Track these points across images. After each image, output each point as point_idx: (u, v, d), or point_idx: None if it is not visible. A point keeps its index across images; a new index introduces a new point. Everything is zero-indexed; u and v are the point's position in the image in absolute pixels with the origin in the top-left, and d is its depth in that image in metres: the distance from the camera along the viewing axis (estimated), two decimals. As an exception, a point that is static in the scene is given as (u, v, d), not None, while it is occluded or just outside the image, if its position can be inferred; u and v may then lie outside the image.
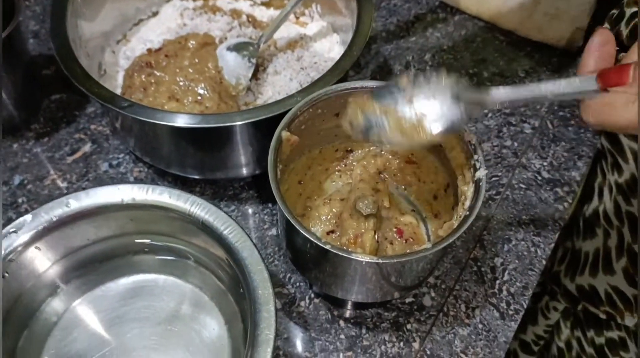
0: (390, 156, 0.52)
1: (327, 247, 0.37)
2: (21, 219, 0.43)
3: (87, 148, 0.61)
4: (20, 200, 0.57)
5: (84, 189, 0.57)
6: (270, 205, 0.57)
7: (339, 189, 0.51)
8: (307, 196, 0.51)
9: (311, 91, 0.48)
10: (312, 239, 0.38)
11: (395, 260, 0.38)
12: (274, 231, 0.56)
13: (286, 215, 0.39)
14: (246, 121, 0.47)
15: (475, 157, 0.42)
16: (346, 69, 0.50)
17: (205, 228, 0.45)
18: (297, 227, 0.38)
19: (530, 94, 0.36)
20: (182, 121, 0.46)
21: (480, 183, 0.40)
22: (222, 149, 0.52)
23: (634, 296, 0.59)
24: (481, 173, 0.41)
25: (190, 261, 0.50)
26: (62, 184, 0.58)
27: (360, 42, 0.52)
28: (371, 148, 0.52)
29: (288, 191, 0.50)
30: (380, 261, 0.37)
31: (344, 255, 0.37)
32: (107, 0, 0.61)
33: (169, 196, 0.45)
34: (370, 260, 0.37)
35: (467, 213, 0.39)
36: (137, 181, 0.59)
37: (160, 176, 0.59)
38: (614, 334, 0.63)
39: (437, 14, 0.75)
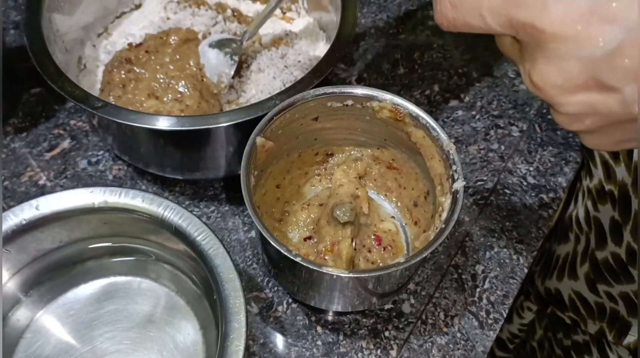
0: (371, 161, 0.51)
1: (298, 260, 0.36)
2: (-13, 223, 0.42)
3: (66, 144, 0.60)
4: (-4, 197, 0.56)
5: (61, 186, 0.56)
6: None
7: (318, 194, 0.51)
8: (285, 200, 0.50)
9: (290, 93, 0.47)
10: (283, 251, 0.37)
11: (366, 275, 0.37)
12: (253, 234, 0.55)
13: (257, 226, 0.38)
14: (223, 124, 0.46)
15: (454, 168, 0.41)
16: (326, 72, 0.49)
17: (178, 234, 0.44)
18: (269, 239, 0.37)
19: None
20: (157, 123, 0.45)
21: (458, 195, 0.40)
22: (200, 150, 0.51)
23: (596, 303, 0.58)
24: (459, 185, 0.40)
25: (165, 264, 0.49)
26: (40, 181, 0.57)
27: (343, 44, 0.50)
28: (352, 152, 0.51)
29: (265, 195, 0.49)
30: (351, 275, 0.36)
31: (315, 268, 0.36)
32: (87, -8, 0.59)
33: (141, 200, 0.44)
34: (341, 274, 0.36)
35: (443, 225, 0.38)
36: (116, 179, 0.58)
37: (140, 174, 0.58)
38: (579, 338, 0.63)
39: (428, 11, 0.73)
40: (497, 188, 0.58)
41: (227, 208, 0.56)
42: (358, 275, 0.36)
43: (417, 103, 0.64)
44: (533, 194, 0.57)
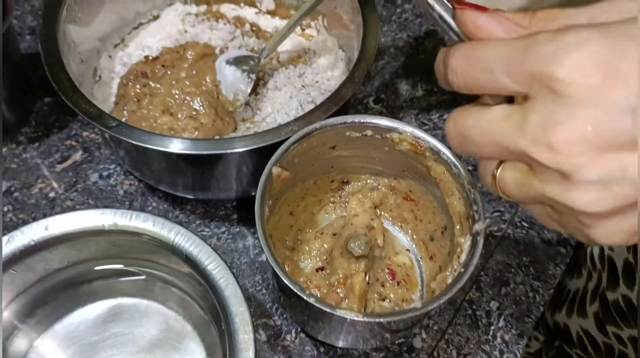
0: (387, 191, 0.50)
1: (311, 301, 0.35)
2: (-4, 242, 0.42)
3: (77, 156, 0.59)
4: (6, 208, 0.55)
5: (71, 200, 0.55)
6: (262, 228, 0.55)
7: (332, 223, 0.49)
8: (298, 228, 0.49)
9: (308, 119, 0.46)
10: (296, 291, 0.36)
11: (381, 320, 0.36)
12: (263, 257, 0.54)
13: (271, 263, 0.37)
14: (239, 150, 0.44)
15: (475, 208, 0.40)
16: (346, 98, 0.47)
17: (189, 261, 0.43)
18: (282, 277, 0.36)
19: None
20: (170, 146, 0.44)
21: (478, 237, 0.38)
22: (213, 173, 0.50)
23: (605, 344, 0.57)
24: (479, 226, 0.39)
25: (174, 288, 0.48)
26: (50, 193, 0.56)
27: (363, 69, 0.49)
28: (368, 181, 0.50)
29: (278, 222, 0.48)
30: (365, 319, 0.35)
31: (328, 310, 0.35)
32: (105, 3, 0.58)
33: (152, 224, 0.43)
34: (355, 318, 0.35)
35: (462, 269, 0.37)
36: (127, 194, 0.57)
37: (151, 190, 0.57)
38: None
39: (450, 31, 0.71)
40: (514, 220, 0.57)
41: (238, 229, 0.55)
42: (373, 320, 0.35)
43: (435, 128, 0.63)
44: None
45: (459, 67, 0.29)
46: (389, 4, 0.74)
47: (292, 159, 0.44)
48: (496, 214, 0.57)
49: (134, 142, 0.44)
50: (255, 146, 0.45)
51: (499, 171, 0.29)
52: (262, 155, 0.47)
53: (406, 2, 0.74)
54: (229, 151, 0.45)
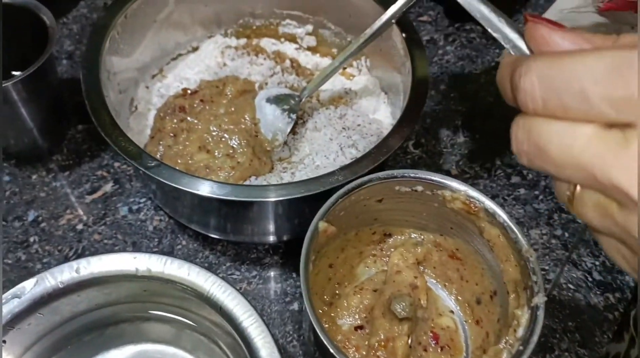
0: (432, 247, 0.47)
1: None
2: (23, 284, 0.40)
3: (108, 187, 0.57)
4: (32, 239, 0.53)
5: (99, 234, 0.54)
6: (294, 275, 0.53)
7: (372, 278, 0.47)
8: (337, 281, 0.47)
9: (353, 170, 0.44)
10: (335, 354, 0.33)
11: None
12: (295, 306, 0.51)
13: (313, 323, 0.35)
14: (279, 198, 0.43)
15: (534, 278, 0.37)
16: (394, 148, 0.45)
17: (224, 314, 0.40)
18: (323, 338, 0.34)
19: None
20: (209, 191, 0.42)
21: (538, 312, 0.36)
22: (249, 218, 0.48)
23: None
24: (539, 300, 0.36)
25: (202, 336, 0.46)
26: (78, 226, 0.54)
27: (413, 119, 0.47)
28: (412, 235, 0.48)
29: (317, 275, 0.45)
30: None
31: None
32: (147, 35, 0.57)
33: (187, 272, 0.41)
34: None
35: (521, 347, 0.35)
36: (156, 231, 0.55)
37: (181, 228, 0.55)
38: None
39: (492, 76, 0.69)
40: (560, 281, 0.54)
41: (270, 273, 0.53)
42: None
43: (477, 176, 0.61)
44: (598, 292, 0.53)
45: (537, 90, 0.24)
46: (430, 45, 0.72)
47: (338, 212, 0.42)
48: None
49: (173, 184, 0.42)
50: (296, 195, 0.43)
51: (577, 189, 0.25)
52: (301, 202, 0.45)
53: (448, 44, 0.72)
54: (268, 200, 0.43)
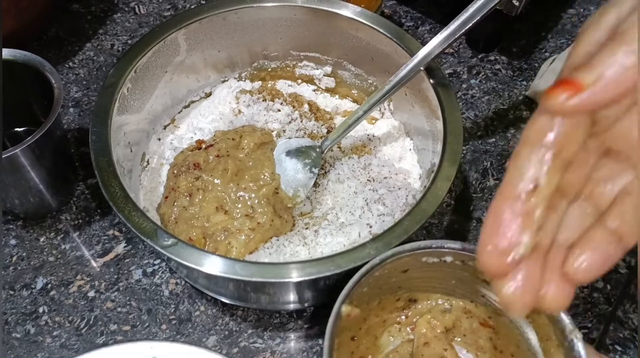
0: (461, 314, 0.44)
1: None
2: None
3: (120, 248, 0.54)
4: (41, 310, 0.50)
5: (112, 301, 0.50)
6: (320, 342, 0.50)
7: (397, 349, 0.43)
8: (360, 355, 0.43)
9: (387, 241, 0.40)
10: None
11: None
12: (323, 378, 0.48)
13: None
14: (303, 278, 0.39)
15: None
16: (429, 214, 0.42)
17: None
18: None
19: None
20: (232, 272, 0.39)
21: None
22: (272, 293, 0.44)
23: None
24: None
25: None
26: (89, 293, 0.51)
27: (447, 180, 0.44)
28: (439, 301, 0.44)
29: (339, 350, 0.42)
30: None
31: None
32: (158, 86, 0.54)
33: (208, 361, 0.38)
34: None
35: None
36: (173, 295, 0.52)
37: (199, 292, 0.52)
38: None
39: (521, 111, 0.66)
40: (604, 339, 0.50)
41: (292, 340, 0.50)
42: None
43: (510, 224, 0.57)
44: (649, 355, 0.49)
45: None
46: (453, 78, 0.68)
47: (361, 290, 0.38)
48: (583, 330, 0.51)
49: (192, 265, 0.39)
50: (320, 275, 0.39)
51: None
52: (321, 279, 0.41)
53: (472, 77, 0.69)
54: (291, 280, 0.39)
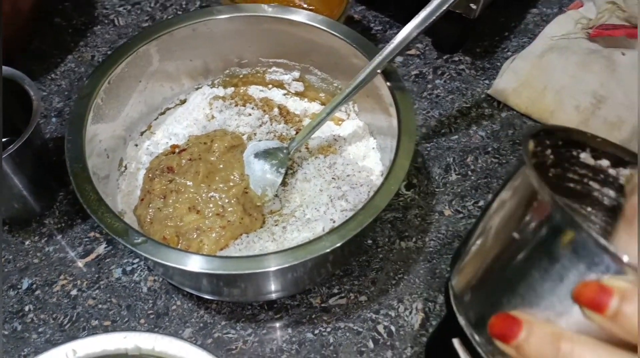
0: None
1: None
2: (17, 372, 0.40)
3: (101, 249, 0.57)
4: (27, 308, 0.53)
5: (93, 298, 0.54)
6: (290, 330, 0.53)
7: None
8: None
9: (341, 234, 0.44)
10: None
11: None
12: (292, 364, 0.51)
13: None
14: (270, 269, 0.42)
15: None
16: (381, 208, 0.45)
17: (215, 390, 0.40)
18: None
19: None
20: (197, 266, 0.42)
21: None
22: (240, 284, 0.48)
23: None
24: None
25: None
26: (72, 291, 0.55)
27: (399, 176, 0.47)
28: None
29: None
30: None
31: None
32: (133, 95, 0.57)
33: (178, 349, 0.41)
34: None
35: None
36: (151, 291, 0.55)
37: (176, 288, 0.55)
38: None
39: (483, 109, 0.69)
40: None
41: (265, 331, 0.53)
42: None
43: (470, 216, 0.61)
44: None
45: None
46: (419, 79, 0.72)
47: None
48: None
49: (160, 261, 0.42)
50: (284, 265, 0.42)
51: None
52: (290, 269, 0.45)
53: (437, 77, 0.72)
54: (257, 271, 0.43)
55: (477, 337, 0.30)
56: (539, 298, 0.27)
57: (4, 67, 0.54)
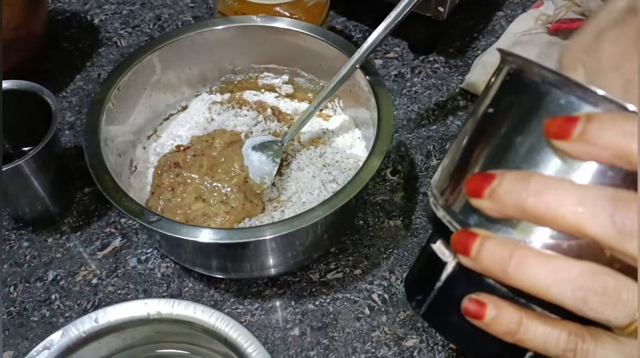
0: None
1: None
2: (51, 337, 0.45)
3: (116, 242, 0.63)
4: (53, 296, 0.59)
5: (113, 285, 0.59)
6: (292, 303, 0.58)
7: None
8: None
9: (332, 203, 0.50)
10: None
11: None
12: (296, 331, 0.56)
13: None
14: (268, 237, 0.48)
15: None
16: (366, 181, 0.51)
17: (229, 344, 0.46)
18: None
19: None
20: (207, 237, 0.48)
21: None
22: (245, 257, 0.53)
23: None
24: None
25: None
26: (93, 280, 0.60)
27: (380, 153, 0.53)
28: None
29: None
30: None
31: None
32: (140, 101, 0.64)
33: (194, 311, 0.47)
34: None
35: None
36: (164, 276, 0.60)
37: (187, 272, 0.60)
38: None
39: (458, 102, 0.76)
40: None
41: (270, 304, 0.58)
42: None
43: (451, 195, 0.66)
44: None
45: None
46: (399, 79, 0.78)
47: None
48: None
49: (174, 235, 0.48)
50: (284, 232, 0.48)
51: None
52: (289, 238, 0.50)
53: (415, 76, 0.79)
54: (259, 239, 0.48)
55: (456, 224, 0.31)
56: (517, 161, 0.29)
57: (24, 82, 0.60)
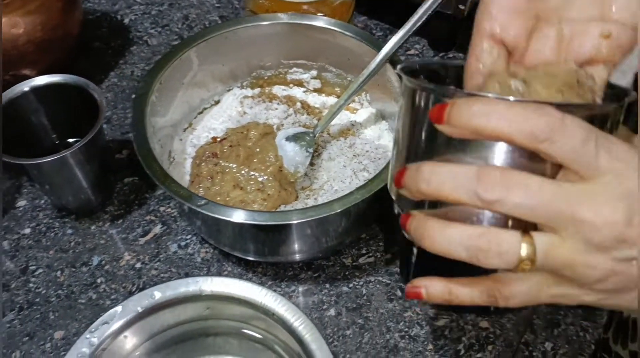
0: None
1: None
2: (112, 310, 0.48)
3: (157, 229, 0.66)
4: (99, 280, 0.62)
5: (156, 269, 0.62)
6: (327, 286, 0.61)
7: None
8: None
9: (369, 189, 0.53)
10: None
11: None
12: (332, 312, 0.59)
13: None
14: (307, 219, 0.51)
15: None
16: (401, 166, 0.54)
17: (277, 319, 0.49)
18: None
19: None
20: (252, 219, 0.51)
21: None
22: (282, 240, 0.56)
23: None
24: None
25: (260, 345, 0.53)
26: (136, 265, 0.63)
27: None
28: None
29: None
30: None
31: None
32: (177, 96, 0.67)
33: (242, 288, 0.50)
34: None
35: None
36: (204, 261, 0.63)
37: (225, 257, 0.63)
38: None
39: (478, 95, 0.79)
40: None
41: (306, 287, 0.61)
42: None
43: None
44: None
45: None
46: (419, 74, 0.81)
47: None
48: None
49: (222, 217, 0.51)
50: (320, 216, 0.51)
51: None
52: (326, 222, 0.53)
53: (435, 71, 0.82)
54: (295, 222, 0.51)
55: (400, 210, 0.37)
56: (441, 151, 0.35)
57: (70, 76, 0.63)
